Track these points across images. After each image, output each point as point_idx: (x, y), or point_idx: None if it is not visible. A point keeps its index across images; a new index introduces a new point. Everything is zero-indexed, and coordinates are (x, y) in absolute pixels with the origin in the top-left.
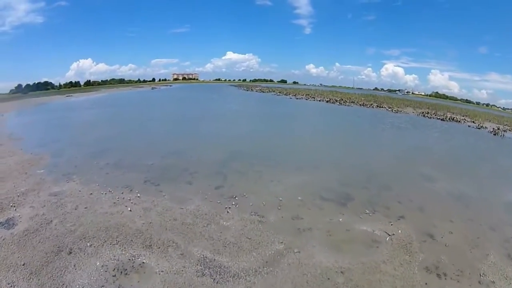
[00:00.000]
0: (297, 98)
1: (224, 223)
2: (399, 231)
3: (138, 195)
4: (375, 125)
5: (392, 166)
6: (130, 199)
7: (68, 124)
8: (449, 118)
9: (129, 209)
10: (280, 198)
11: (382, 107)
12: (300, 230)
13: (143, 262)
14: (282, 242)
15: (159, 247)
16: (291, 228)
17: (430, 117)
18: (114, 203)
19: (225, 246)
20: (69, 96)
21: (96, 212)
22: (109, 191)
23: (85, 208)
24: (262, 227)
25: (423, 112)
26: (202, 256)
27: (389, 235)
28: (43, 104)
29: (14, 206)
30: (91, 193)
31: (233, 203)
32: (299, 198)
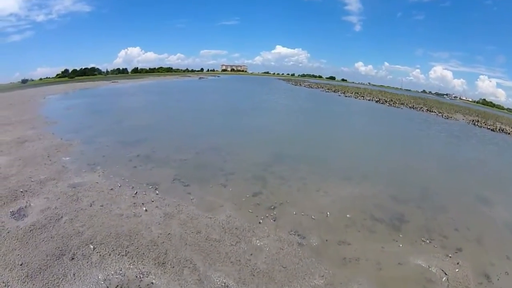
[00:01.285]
0: (346, 96)
1: (257, 242)
2: (456, 269)
3: (163, 196)
4: (427, 131)
5: (447, 182)
6: (152, 200)
7: (107, 110)
8: (499, 129)
9: (148, 213)
10: (327, 214)
11: (432, 111)
12: (346, 260)
13: (152, 283)
14: (322, 276)
15: (173, 267)
16: (335, 257)
17: (480, 126)
18: (134, 203)
19: (253, 275)
20: (114, 82)
21: (111, 213)
22: (132, 187)
23: (101, 206)
24: (301, 252)
25: (473, 120)
26: (223, 285)
27: (445, 274)
28: (86, 89)
29: (29, 195)
30: (111, 188)
31: (271, 215)
32: (347, 215)
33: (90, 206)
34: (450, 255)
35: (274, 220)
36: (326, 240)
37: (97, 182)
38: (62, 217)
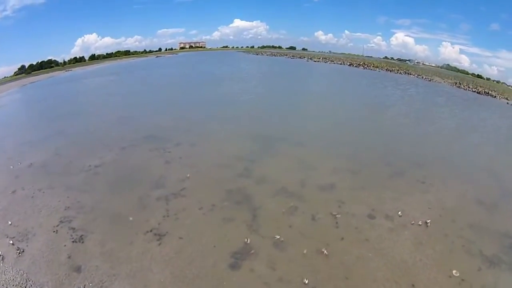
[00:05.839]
0: (314, 61)
1: None
2: None
3: (25, 279)
4: (433, 97)
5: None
6: None
7: (37, 100)
8: (484, 92)
9: None
10: None
11: (410, 73)
12: None
13: None
14: None
15: None
16: None
17: (465, 89)
18: None
19: None
20: (68, 70)
21: None
22: None
23: None
24: None
25: (455, 83)
26: None
27: None
28: (37, 82)
29: None
30: None
31: None
32: (454, 272)
33: None
34: None
35: None
36: None
37: None
38: None
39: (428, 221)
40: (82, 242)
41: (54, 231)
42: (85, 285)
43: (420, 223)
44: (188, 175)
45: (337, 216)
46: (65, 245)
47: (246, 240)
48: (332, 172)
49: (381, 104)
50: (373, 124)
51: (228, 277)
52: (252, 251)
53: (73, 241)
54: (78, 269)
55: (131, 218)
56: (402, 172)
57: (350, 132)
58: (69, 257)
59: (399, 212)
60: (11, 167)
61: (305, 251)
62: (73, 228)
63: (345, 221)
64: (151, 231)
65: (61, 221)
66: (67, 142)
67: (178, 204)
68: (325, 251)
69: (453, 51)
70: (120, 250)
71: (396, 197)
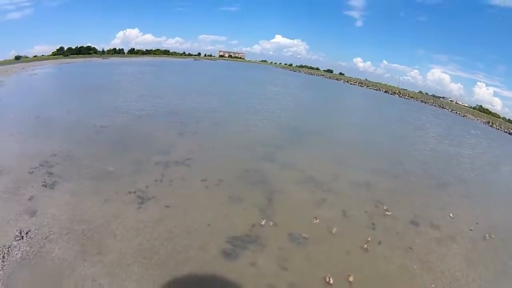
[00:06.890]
0: (350, 84)
1: None
2: None
3: None
4: (469, 129)
5: None
6: None
7: (70, 75)
8: None
9: None
10: None
11: (444, 107)
12: None
13: None
14: None
15: None
16: None
17: (497, 129)
18: None
19: None
20: (106, 58)
21: None
22: None
23: None
24: None
25: (488, 122)
26: None
27: None
28: (71, 63)
29: None
30: None
31: None
32: None
33: None
34: None
35: None
36: None
37: None
38: None
39: (478, 237)
40: (52, 188)
41: (29, 172)
42: (29, 231)
43: (470, 238)
44: (200, 142)
45: (376, 215)
46: (32, 187)
47: (253, 225)
48: (371, 172)
49: (422, 125)
50: (415, 139)
51: (217, 267)
52: (259, 240)
53: (43, 185)
54: (32, 213)
55: (111, 168)
56: (445, 184)
57: (391, 141)
58: (30, 199)
59: (448, 221)
60: (13, 115)
61: (332, 251)
62: (50, 173)
63: (384, 223)
64: (134, 192)
65: (41, 165)
66: (83, 105)
67: (177, 172)
68: (359, 255)
69: (487, 93)
70: (90, 205)
71: (441, 206)
